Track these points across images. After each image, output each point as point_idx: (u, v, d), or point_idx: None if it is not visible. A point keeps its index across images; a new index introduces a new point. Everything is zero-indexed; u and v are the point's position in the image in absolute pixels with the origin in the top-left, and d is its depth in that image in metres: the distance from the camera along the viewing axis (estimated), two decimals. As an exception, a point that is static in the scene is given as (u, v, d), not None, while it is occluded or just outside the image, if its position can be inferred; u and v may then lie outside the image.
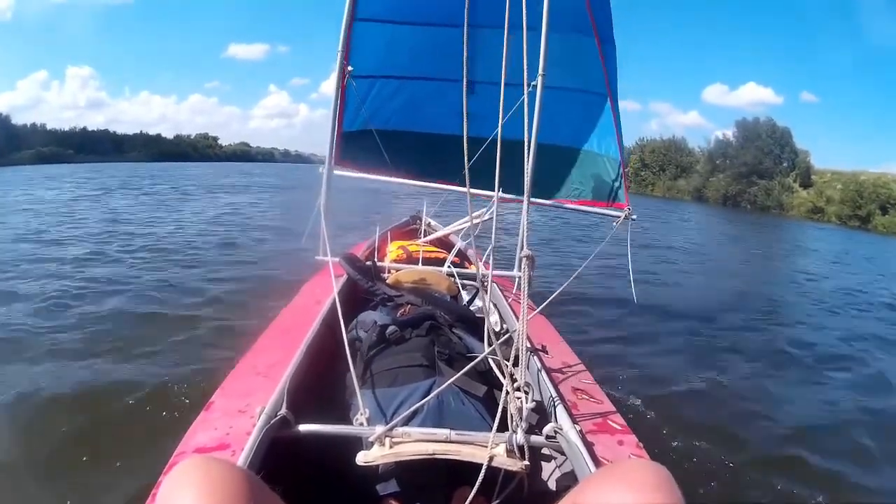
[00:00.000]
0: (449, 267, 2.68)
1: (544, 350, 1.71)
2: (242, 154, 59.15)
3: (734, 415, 3.02)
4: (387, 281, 2.17)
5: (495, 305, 2.25)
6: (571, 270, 2.32)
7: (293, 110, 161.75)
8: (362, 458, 1.09)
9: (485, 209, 2.74)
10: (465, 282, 2.55)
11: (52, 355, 2.97)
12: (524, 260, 1.35)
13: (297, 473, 1.20)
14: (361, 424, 1.18)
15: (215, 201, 12.70)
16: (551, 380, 1.47)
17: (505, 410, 1.19)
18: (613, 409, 1.44)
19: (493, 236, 2.67)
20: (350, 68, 2.67)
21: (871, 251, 16.45)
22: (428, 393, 1.28)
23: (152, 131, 56.67)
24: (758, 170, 35.80)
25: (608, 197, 2.94)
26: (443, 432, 1.13)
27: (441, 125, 2.93)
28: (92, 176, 19.61)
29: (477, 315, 1.91)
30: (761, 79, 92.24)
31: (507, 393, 1.21)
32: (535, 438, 1.19)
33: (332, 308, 1.69)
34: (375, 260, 2.44)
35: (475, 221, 2.69)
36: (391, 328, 1.54)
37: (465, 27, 1.64)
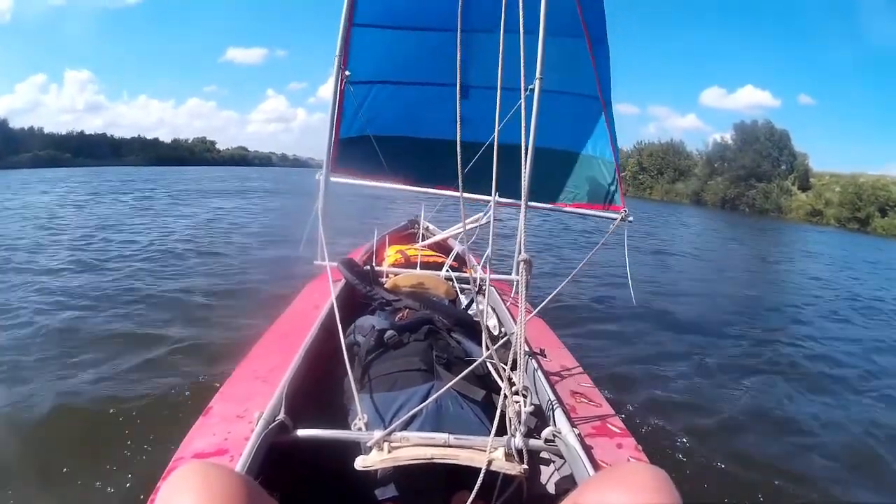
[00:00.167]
0: (447, 271, 2.69)
1: (542, 353, 1.71)
2: (240, 158, 59.19)
3: (734, 415, 3.01)
4: (385, 285, 2.18)
5: (493, 309, 2.26)
6: (575, 277, 2.32)
7: (291, 114, 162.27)
8: (361, 462, 1.09)
9: (482, 213, 2.75)
10: (463, 286, 2.56)
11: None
12: (522, 264, 1.36)
13: (295, 478, 1.20)
14: (360, 429, 1.18)
15: (205, 207, 12.30)
16: (550, 383, 1.47)
17: (503, 414, 1.19)
18: (612, 412, 1.44)
19: (490, 240, 2.68)
20: (347, 73, 2.68)
21: (873, 255, 16.26)
22: (426, 397, 1.28)
23: (150, 135, 56.79)
24: (756, 173, 35.94)
25: (604, 199, 2.94)
26: (441, 436, 1.13)
27: (438, 130, 2.94)
28: (86, 180, 19.47)
29: (475, 319, 1.91)
30: (759, 82, 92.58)
31: (506, 397, 1.21)
32: (533, 442, 1.19)
33: (331, 313, 1.69)
34: (373, 264, 2.44)
35: (472, 226, 2.71)
36: (389, 332, 1.55)
37: (458, 32, 1.65)
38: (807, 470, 2.53)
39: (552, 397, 1.37)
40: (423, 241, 3.47)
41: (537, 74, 2.28)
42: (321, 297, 2.05)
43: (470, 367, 1.31)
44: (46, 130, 42.21)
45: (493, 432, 1.15)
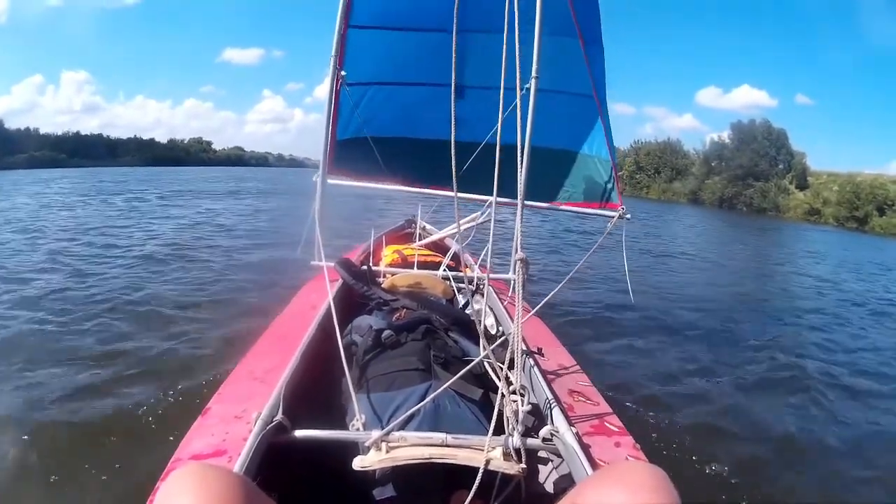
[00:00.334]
0: (444, 270, 2.69)
1: (540, 352, 1.71)
2: (236, 158, 58.86)
3: (733, 416, 3.03)
4: (382, 285, 2.17)
5: (490, 308, 2.26)
6: (573, 277, 2.32)
7: (288, 115, 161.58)
8: (359, 462, 1.09)
9: (479, 212, 2.74)
10: (461, 285, 2.56)
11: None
12: (519, 263, 1.36)
13: (293, 479, 1.20)
14: (358, 429, 1.18)
15: (195, 208, 12.05)
16: (547, 382, 1.47)
17: (501, 413, 1.19)
18: (610, 410, 1.45)
19: (490, 240, 2.68)
20: (343, 73, 2.68)
21: (877, 255, 16.07)
22: (424, 397, 1.28)
23: (147, 136, 56.59)
24: (754, 172, 35.99)
25: (601, 198, 2.94)
26: (439, 436, 1.13)
27: (435, 131, 2.93)
28: (79, 181, 19.21)
29: (472, 318, 1.91)
30: (755, 81, 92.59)
31: (503, 396, 1.21)
32: (531, 441, 1.19)
33: (328, 313, 1.68)
34: (371, 264, 2.44)
35: (468, 225, 2.71)
36: (387, 332, 1.55)
37: (454, 32, 1.65)
38: (807, 472, 2.54)
39: (550, 396, 1.37)
40: (420, 240, 3.47)
41: (533, 73, 2.28)
42: (318, 298, 2.04)
43: (468, 367, 1.31)
44: (42, 131, 42.13)
45: (490, 431, 1.15)
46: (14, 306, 4.00)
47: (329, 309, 1.64)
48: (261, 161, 64.78)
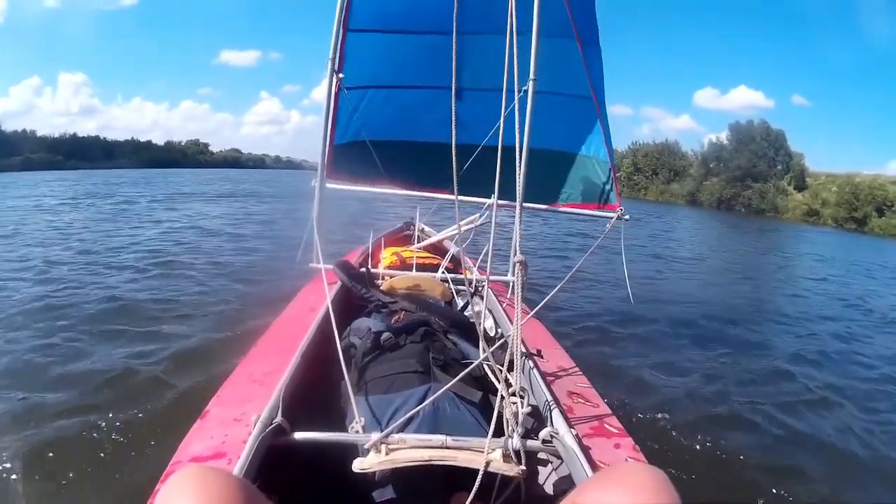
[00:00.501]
0: (443, 273, 2.69)
1: (539, 354, 1.72)
2: (233, 160, 58.70)
3: (733, 417, 3.03)
4: (381, 287, 2.17)
5: (490, 311, 2.26)
6: (572, 278, 2.32)
7: (284, 117, 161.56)
8: (358, 465, 1.09)
9: (477, 214, 2.75)
10: (460, 287, 2.56)
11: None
12: (518, 265, 1.36)
13: (293, 481, 1.20)
14: (357, 431, 1.18)
15: (185, 211, 11.65)
16: (547, 384, 1.47)
17: (501, 415, 1.20)
18: (609, 412, 1.45)
19: (490, 242, 2.68)
20: (341, 75, 2.68)
21: (881, 257, 15.88)
22: (423, 399, 1.28)
23: (144, 138, 56.29)
24: (752, 173, 36.05)
25: (599, 199, 2.95)
26: (439, 438, 1.13)
27: (432, 133, 2.94)
28: (73, 183, 18.93)
29: (471, 320, 1.91)
30: (752, 82, 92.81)
31: (503, 398, 1.21)
32: (531, 443, 1.19)
33: (327, 315, 1.68)
34: (369, 266, 2.44)
35: (467, 227, 2.71)
36: (386, 335, 1.54)
37: (454, 34, 1.65)
38: (808, 472, 2.55)
39: (549, 398, 1.37)
40: (418, 242, 3.47)
41: (531, 75, 2.29)
42: (317, 300, 2.04)
43: (467, 369, 1.31)
44: (39, 133, 42.02)
45: (490, 433, 1.15)
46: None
47: (328, 311, 1.64)
48: (258, 163, 64.69)
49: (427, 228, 3.85)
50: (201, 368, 2.89)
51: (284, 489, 1.09)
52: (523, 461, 1.12)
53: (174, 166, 41.01)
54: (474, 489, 1.04)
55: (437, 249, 3.36)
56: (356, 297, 2.10)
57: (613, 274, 5.60)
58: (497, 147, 1.53)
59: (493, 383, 1.36)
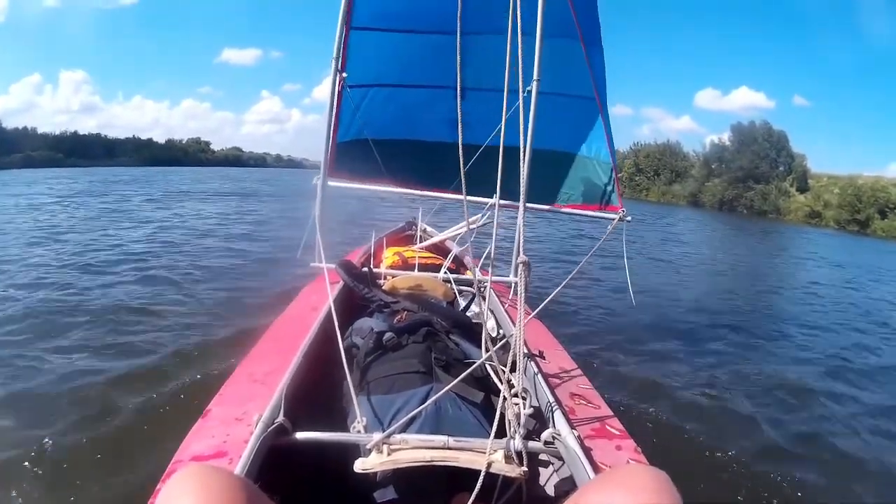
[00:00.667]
0: (445, 273, 2.69)
1: (541, 355, 1.71)
2: (234, 159, 58.62)
3: (735, 419, 3.03)
4: (383, 287, 2.17)
5: (492, 311, 2.26)
6: (575, 280, 2.32)
7: (285, 116, 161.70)
8: (360, 465, 1.09)
9: (479, 215, 2.75)
10: (462, 287, 2.56)
11: None
12: (520, 266, 1.36)
13: (294, 481, 1.20)
14: (359, 432, 1.18)
15: (177, 210, 11.36)
16: (549, 385, 1.47)
17: (503, 416, 1.19)
18: (611, 413, 1.44)
19: (492, 242, 2.68)
20: (344, 74, 2.68)
21: (888, 261, 15.65)
22: (425, 399, 1.28)
23: (145, 136, 56.28)
24: (754, 174, 35.94)
25: (601, 200, 2.95)
26: (440, 439, 1.13)
27: (434, 132, 2.94)
28: (70, 181, 18.68)
29: (473, 321, 1.91)
30: (753, 83, 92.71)
31: (505, 399, 1.21)
32: (533, 444, 1.19)
33: (329, 315, 1.68)
34: (371, 266, 2.44)
35: (470, 227, 2.70)
36: (388, 335, 1.54)
37: (458, 34, 1.65)
38: (809, 473, 2.54)
39: (551, 399, 1.37)
40: (420, 242, 3.46)
41: (535, 76, 2.29)
42: (319, 300, 2.04)
43: (469, 369, 1.31)
44: (40, 131, 42.00)
45: (492, 434, 1.15)
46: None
47: (330, 311, 1.64)
48: (259, 162, 64.63)
49: (429, 229, 3.85)
50: (170, 381, 2.75)
51: (286, 489, 1.09)
52: (525, 462, 1.12)
53: (175, 164, 40.89)
54: (476, 490, 1.04)
55: (440, 250, 3.36)
56: (358, 296, 2.09)
57: (617, 276, 5.58)
58: (500, 147, 1.53)
59: (494, 384, 1.36)
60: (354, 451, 1.16)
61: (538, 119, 2.44)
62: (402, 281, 2.24)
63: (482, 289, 1.96)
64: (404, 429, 1.19)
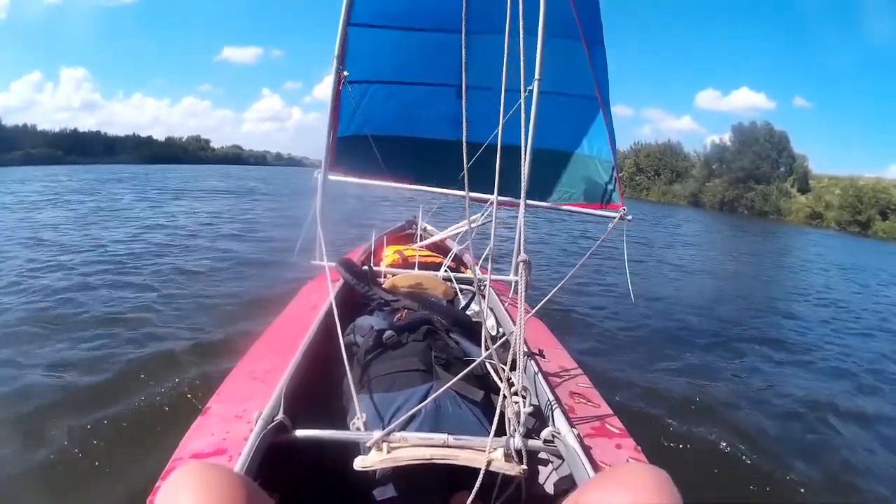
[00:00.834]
0: (445, 271, 2.69)
1: (541, 354, 1.72)
2: (234, 157, 58.54)
3: (736, 419, 3.03)
4: (383, 286, 2.17)
5: (491, 310, 2.26)
6: (581, 282, 2.31)
7: (286, 114, 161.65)
8: (360, 463, 1.09)
9: (479, 214, 2.74)
10: (462, 286, 2.56)
11: None
12: (521, 264, 1.36)
13: (294, 479, 1.20)
14: (359, 429, 1.18)
15: (169, 209, 10.95)
16: (548, 384, 1.47)
17: (502, 414, 1.19)
18: (611, 412, 1.44)
19: (492, 240, 2.67)
20: (346, 73, 2.68)
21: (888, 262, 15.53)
22: (425, 397, 1.28)
23: (145, 134, 55.97)
24: (755, 174, 35.91)
25: (601, 199, 2.95)
26: (440, 437, 1.13)
27: (433, 130, 2.95)
28: (65, 178, 18.51)
29: (473, 319, 1.91)
30: (754, 84, 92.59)
31: (505, 397, 1.21)
32: (532, 442, 1.19)
33: (329, 313, 1.68)
34: (371, 265, 2.43)
35: (473, 226, 2.70)
36: (388, 333, 1.54)
37: (462, 33, 1.65)
38: (809, 474, 2.55)
39: (551, 398, 1.37)
40: (420, 241, 3.46)
41: (536, 76, 2.28)
42: (319, 298, 2.04)
43: (469, 367, 1.31)
44: (40, 128, 41.96)
45: (492, 433, 1.15)
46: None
47: (330, 309, 1.64)
48: (259, 160, 64.54)
49: (429, 227, 3.85)
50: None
51: (285, 486, 1.09)
52: (524, 461, 1.12)
53: (175, 162, 40.77)
54: (475, 488, 1.04)
55: (440, 248, 3.36)
56: (358, 294, 2.09)
57: (619, 275, 5.56)
58: (502, 146, 1.53)
59: (494, 382, 1.36)
60: (354, 448, 1.16)
61: (539, 118, 2.44)
62: (403, 279, 2.23)
63: (482, 287, 1.96)
64: (404, 427, 1.19)
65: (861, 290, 9.31)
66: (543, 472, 1.36)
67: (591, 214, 2.96)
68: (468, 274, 2.84)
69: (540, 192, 2.90)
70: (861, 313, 6.98)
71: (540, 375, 1.50)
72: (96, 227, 8.20)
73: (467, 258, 3.05)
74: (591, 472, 1.06)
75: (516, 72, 1.48)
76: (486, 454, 1.10)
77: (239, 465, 0.98)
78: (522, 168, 1.47)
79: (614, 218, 2.68)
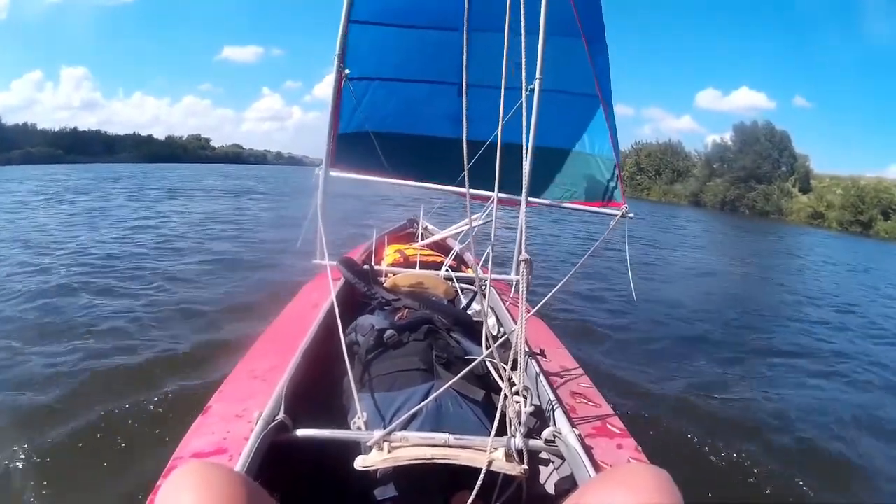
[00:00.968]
0: (446, 270, 2.69)
1: (542, 354, 1.71)
2: (234, 156, 58.55)
3: (736, 419, 3.03)
4: (384, 285, 2.17)
5: (492, 309, 2.25)
6: (583, 283, 2.31)
7: (286, 113, 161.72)
8: (360, 462, 1.09)
9: (481, 213, 2.74)
10: (463, 285, 2.56)
11: None
12: (522, 264, 1.35)
13: (295, 478, 1.20)
14: (359, 429, 1.18)
15: (160, 210, 10.63)
16: (549, 383, 1.47)
17: (503, 414, 1.19)
18: (612, 412, 1.44)
19: (492, 238, 2.67)
20: (347, 71, 2.67)
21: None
22: (426, 397, 1.28)
23: (145, 133, 56.03)
24: (756, 174, 35.87)
25: (603, 197, 2.94)
26: (441, 436, 1.12)
27: (434, 128, 2.95)
28: (64, 177, 18.36)
29: (474, 319, 1.91)
30: (754, 83, 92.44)
31: (506, 397, 1.20)
32: (533, 442, 1.19)
33: (330, 312, 1.68)
34: (372, 264, 2.43)
35: (475, 224, 2.69)
36: (389, 332, 1.54)
37: (464, 31, 1.65)
38: (810, 475, 2.54)
39: (552, 398, 1.37)
40: (422, 240, 3.46)
41: (537, 74, 2.28)
42: (320, 297, 2.04)
43: (469, 367, 1.31)
44: (40, 127, 41.98)
45: (493, 433, 1.15)
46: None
47: (331, 308, 1.64)
48: (259, 159, 64.49)
49: (430, 226, 3.84)
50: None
51: (286, 486, 1.09)
52: (525, 461, 1.12)
53: (175, 161, 40.67)
54: (476, 488, 1.03)
55: (441, 247, 3.36)
56: (359, 294, 2.09)
57: (625, 276, 5.55)
58: (503, 144, 1.53)
59: (495, 382, 1.36)
60: (355, 448, 1.16)
61: (541, 116, 2.44)
62: (404, 278, 2.23)
63: (483, 286, 1.96)
64: (405, 426, 1.19)
65: (871, 293, 9.19)
66: (544, 472, 1.36)
67: (593, 212, 2.95)
68: (469, 273, 2.84)
69: (542, 190, 2.90)
70: (876, 318, 6.82)
71: (541, 375, 1.50)
72: (85, 227, 7.96)
73: (468, 257, 3.05)
74: (592, 473, 1.06)
75: (517, 70, 1.48)
76: (487, 454, 1.10)
77: (239, 464, 0.97)
78: (524, 166, 1.47)
79: (616, 216, 2.67)
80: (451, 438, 1.12)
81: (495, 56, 1.65)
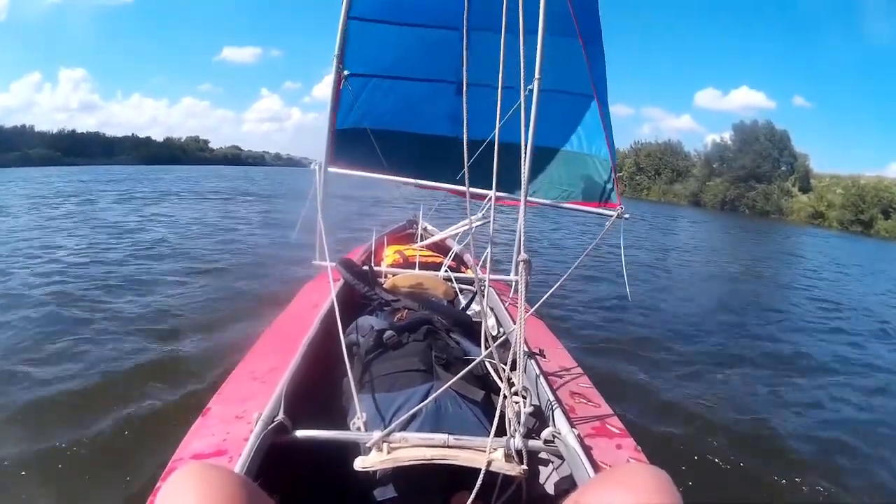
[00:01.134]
0: (445, 271, 2.69)
1: (542, 354, 1.71)
2: (233, 157, 58.37)
3: (736, 419, 3.03)
4: (384, 285, 2.17)
5: (491, 309, 2.25)
6: (578, 281, 2.30)
7: (285, 114, 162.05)
8: (360, 463, 1.09)
9: (480, 213, 2.74)
10: (462, 286, 2.56)
11: None
12: (521, 264, 1.35)
13: (294, 479, 1.20)
14: (359, 430, 1.18)
15: (148, 213, 10.23)
16: (549, 384, 1.47)
17: (503, 415, 1.19)
18: (611, 412, 1.44)
19: (490, 236, 2.67)
20: (346, 72, 2.67)
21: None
22: (425, 397, 1.28)
23: (143, 134, 55.90)
24: (756, 174, 35.87)
25: (600, 197, 2.95)
26: (441, 437, 1.13)
27: (432, 126, 2.95)
28: (58, 179, 18.06)
29: (474, 319, 1.91)
30: (754, 83, 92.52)
31: (505, 397, 1.20)
32: (533, 443, 1.19)
33: (330, 312, 1.68)
34: (372, 265, 2.43)
35: (471, 225, 2.69)
36: (388, 333, 1.54)
37: (464, 31, 1.65)
38: (809, 475, 2.54)
39: (551, 398, 1.37)
40: (421, 241, 3.46)
41: (536, 74, 2.28)
42: (320, 297, 2.04)
43: (469, 367, 1.31)
44: (38, 129, 41.84)
45: (492, 433, 1.15)
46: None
47: (331, 308, 1.64)
48: (258, 160, 64.39)
49: (430, 227, 3.84)
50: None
51: (286, 487, 1.09)
52: (525, 461, 1.12)
53: (174, 163, 40.48)
54: (475, 489, 1.04)
55: (440, 248, 3.36)
56: (359, 294, 2.09)
57: (623, 276, 5.53)
58: (501, 143, 1.53)
59: (494, 382, 1.36)
60: (354, 449, 1.16)
61: (539, 116, 2.44)
62: (403, 279, 2.23)
63: (482, 287, 1.96)
64: (404, 427, 1.19)
65: (876, 293, 9.09)
66: (544, 472, 1.36)
67: (590, 213, 2.96)
68: (468, 274, 2.84)
69: (539, 189, 2.91)
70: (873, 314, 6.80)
71: (540, 375, 1.50)
72: (61, 236, 7.30)
73: (468, 258, 3.05)
74: (591, 473, 1.06)
75: (516, 69, 1.48)
76: (486, 454, 1.10)
77: (239, 465, 0.97)
78: (523, 167, 1.47)
79: (612, 216, 2.68)
80: (451, 439, 1.12)
81: (495, 55, 1.65)
